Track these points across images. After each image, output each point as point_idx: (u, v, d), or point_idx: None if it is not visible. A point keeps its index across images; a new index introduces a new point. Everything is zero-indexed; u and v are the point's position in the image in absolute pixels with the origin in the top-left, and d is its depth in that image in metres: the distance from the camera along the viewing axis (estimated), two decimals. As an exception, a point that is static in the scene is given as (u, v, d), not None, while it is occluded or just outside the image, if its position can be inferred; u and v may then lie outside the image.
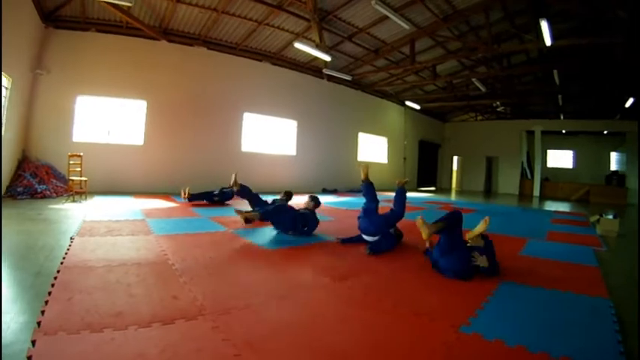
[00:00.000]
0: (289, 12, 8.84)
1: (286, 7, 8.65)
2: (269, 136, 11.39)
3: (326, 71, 11.63)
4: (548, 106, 16.49)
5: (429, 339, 1.88)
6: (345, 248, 3.90)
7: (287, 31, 9.80)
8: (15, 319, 1.84)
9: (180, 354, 1.60)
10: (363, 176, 4.13)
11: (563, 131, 17.75)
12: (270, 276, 2.91)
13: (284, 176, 11.41)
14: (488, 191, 18.28)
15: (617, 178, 16.05)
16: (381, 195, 4.44)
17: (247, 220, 4.23)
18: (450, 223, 3.03)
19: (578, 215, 8.65)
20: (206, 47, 9.72)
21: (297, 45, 9.44)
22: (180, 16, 8.60)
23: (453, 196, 14.00)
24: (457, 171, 20.46)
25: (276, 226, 4.53)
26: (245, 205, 5.46)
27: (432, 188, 18.62)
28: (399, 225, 4.06)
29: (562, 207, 11.17)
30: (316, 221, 4.57)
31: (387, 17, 8.90)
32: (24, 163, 7.15)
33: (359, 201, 6.61)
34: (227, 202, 7.22)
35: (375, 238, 3.79)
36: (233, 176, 5.06)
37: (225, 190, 7.21)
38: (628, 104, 12.24)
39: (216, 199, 7.14)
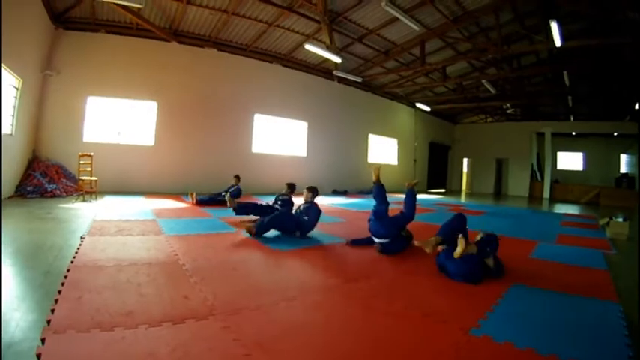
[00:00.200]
0: (299, 14, 8.85)
1: (296, 8, 8.66)
2: (279, 138, 11.40)
3: (336, 73, 11.63)
4: (558, 107, 16.30)
5: (438, 341, 1.87)
6: (355, 250, 3.88)
7: (297, 32, 9.81)
8: (24, 317, 1.82)
9: (191, 353, 1.59)
10: (374, 178, 4.11)
11: (573, 133, 17.50)
12: (280, 277, 2.91)
13: (294, 178, 11.21)
14: (498, 193, 18.08)
15: (627, 180, 15.80)
16: (391, 197, 4.38)
17: (250, 233, 4.19)
18: (452, 229, 3.05)
19: (587, 218, 8.52)
20: (216, 49, 9.78)
21: (308, 46, 9.45)
22: (191, 18, 8.67)
23: (463, 199, 13.85)
24: (467, 173, 20.28)
25: (282, 232, 4.48)
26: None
27: (442, 190, 18.47)
28: (408, 226, 4.00)
29: (572, 210, 10.97)
30: (318, 211, 4.49)
31: (397, 19, 8.84)
32: (34, 162, 7.26)
33: (369, 203, 6.58)
34: (237, 201, 7.19)
35: (386, 240, 3.73)
36: (227, 197, 5.00)
37: (231, 190, 7.19)
38: (638, 106, 12.01)
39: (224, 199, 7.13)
